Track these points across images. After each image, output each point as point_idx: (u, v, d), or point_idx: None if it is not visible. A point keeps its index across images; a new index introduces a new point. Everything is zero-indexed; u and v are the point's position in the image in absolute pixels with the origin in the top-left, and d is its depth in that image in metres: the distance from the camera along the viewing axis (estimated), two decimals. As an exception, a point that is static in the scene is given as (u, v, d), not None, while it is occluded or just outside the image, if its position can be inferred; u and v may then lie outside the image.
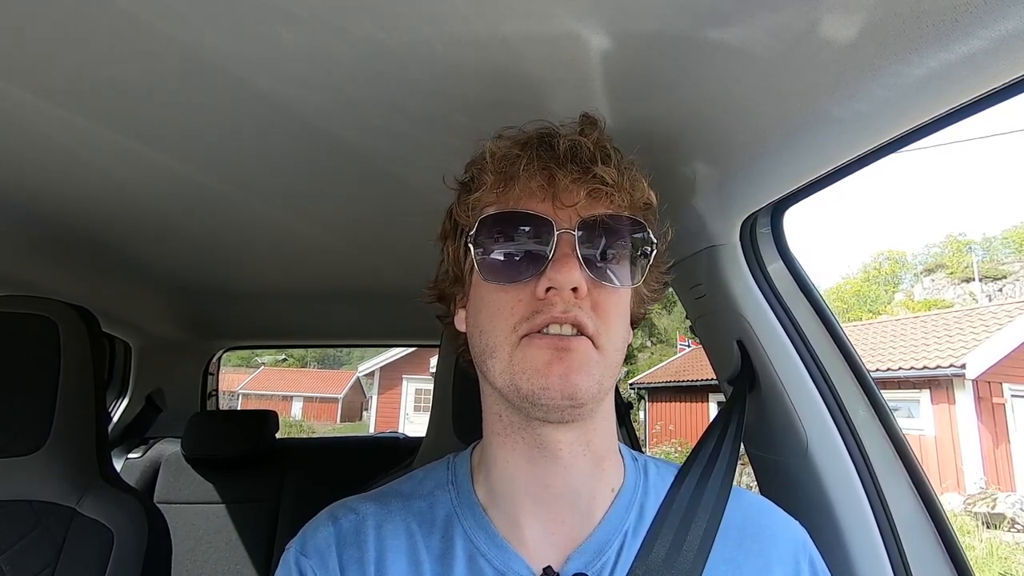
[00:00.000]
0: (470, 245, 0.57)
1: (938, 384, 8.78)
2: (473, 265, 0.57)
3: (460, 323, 0.63)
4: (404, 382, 19.94)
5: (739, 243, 0.91)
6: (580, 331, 0.52)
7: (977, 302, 18.20)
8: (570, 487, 0.56)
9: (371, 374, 21.08)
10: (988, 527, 6.98)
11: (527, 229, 0.54)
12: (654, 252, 0.58)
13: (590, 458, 0.56)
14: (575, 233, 0.53)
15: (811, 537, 0.61)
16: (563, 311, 0.51)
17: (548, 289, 0.52)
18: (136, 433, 2.07)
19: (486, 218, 0.56)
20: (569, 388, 0.50)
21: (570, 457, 0.55)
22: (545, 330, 0.52)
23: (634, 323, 0.63)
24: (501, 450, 0.57)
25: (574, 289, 0.52)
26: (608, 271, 0.55)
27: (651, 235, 0.57)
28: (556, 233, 0.53)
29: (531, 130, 0.58)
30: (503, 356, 0.53)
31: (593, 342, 0.52)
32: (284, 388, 23.52)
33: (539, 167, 0.55)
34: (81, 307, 1.07)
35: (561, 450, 0.55)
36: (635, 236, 0.57)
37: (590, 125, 0.58)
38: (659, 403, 14.15)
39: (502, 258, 0.55)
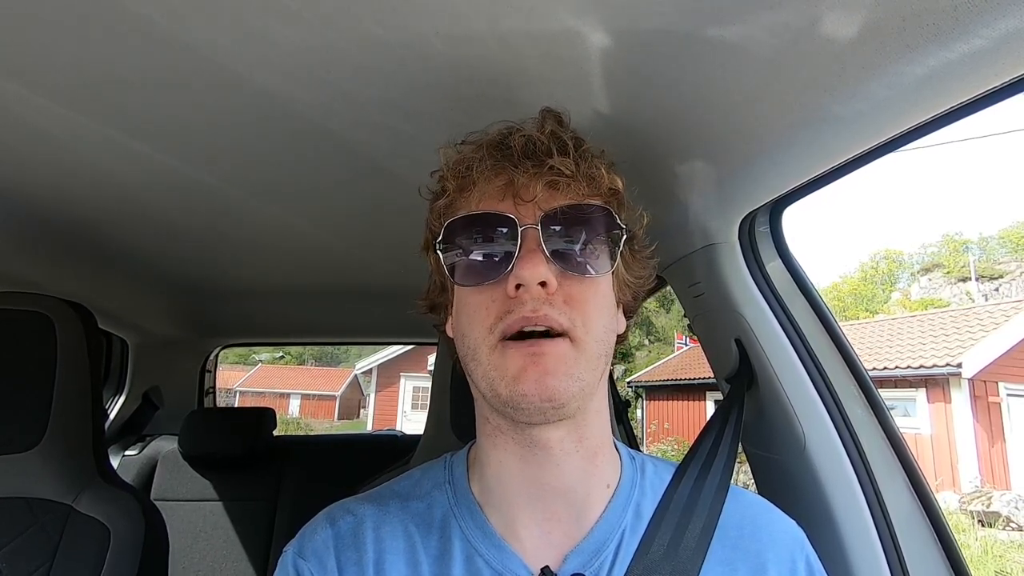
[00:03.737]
0: (439, 252, 0.57)
1: (935, 383, 8.81)
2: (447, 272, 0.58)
3: (450, 330, 0.63)
4: (402, 380, 19.93)
5: (738, 242, 0.91)
6: (552, 329, 0.51)
7: (974, 301, 18.26)
8: (564, 484, 0.56)
9: (369, 372, 21.09)
10: (984, 525, 7.02)
11: (491, 229, 0.55)
12: (624, 236, 0.58)
13: (583, 454, 0.56)
14: (538, 228, 0.53)
15: (808, 535, 0.61)
16: (533, 310, 0.51)
17: (518, 286, 0.52)
18: (133, 430, 2.07)
19: (451, 223, 0.57)
20: (546, 391, 0.50)
21: (562, 454, 0.55)
22: (521, 329, 0.51)
23: (627, 312, 0.63)
24: (493, 450, 0.58)
25: (544, 284, 0.52)
26: (577, 261, 0.54)
27: (618, 219, 0.57)
28: (520, 229, 0.53)
29: (492, 132, 0.59)
30: (483, 360, 0.53)
31: (569, 337, 0.52)
32: (282, 385, 23.48)
33: (495, 167, 0.55)
34: (78, 304, 1.06)
35: (552, 448, 0.55)
36: (601, 223, 0.56)
37: (548, 118, 0.58)
38: (656, 401, 14.18)
39: (471, 260, 0.55)
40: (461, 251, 0.56)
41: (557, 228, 0.54)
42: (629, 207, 0.61)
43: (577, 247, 0.55)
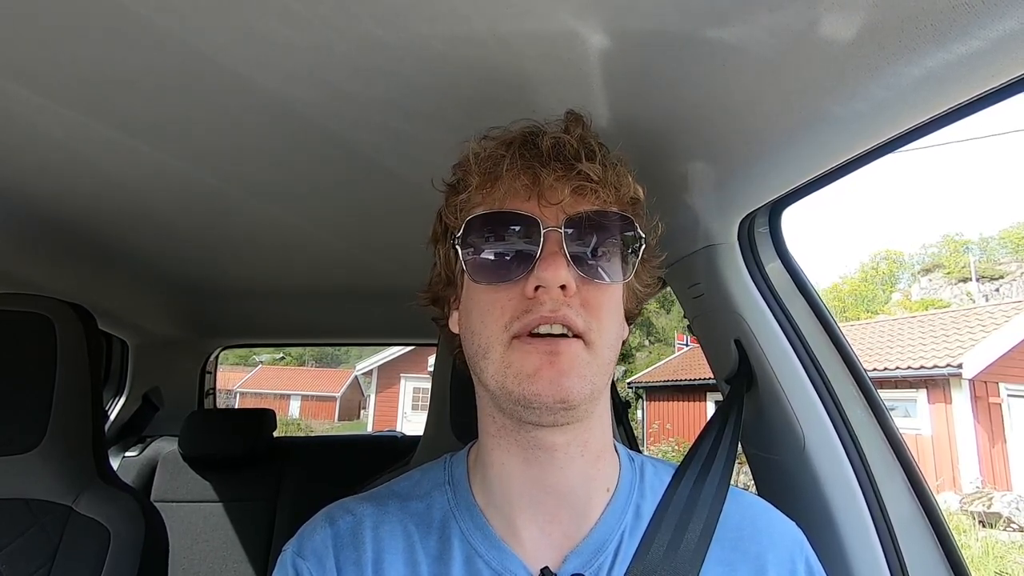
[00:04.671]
0: (458, 247, 0.57)
1: (935, 384, 8.81)
2: (463, 267, 0.57)
3: (454, 325, 0.63)
4: (402, 381, 19.92)
5: (737, 242, 0.91)
6: (570, 330, 0.52)
7: (974, 302, 18.26)
8: (567, 487, 0.56)
9: (369, 373, 21.08)
10: (984, 526, 7.01)
11: (514, 228, 0.54)
12: (643, 247, 0.58)
13: (587, 458, 0.56)
14: (562, 231, 0.53)
15: (807, 535, 0.61)
16: (552, 310, 0.51)
17: (537, 288, 0.52)
18: (133, 431, 2.07)
19: (472, 219, 0.56)
20: (560, 392, 0.50)
21: (566, 458, 0.55)
22: (536, 330, 0.51)
23: (629, 319, 0.63)
24: (496, 451, 0.57)
25: (563, 287, 0.52)
26: (597, 267, 0.55)
27: (639, 230, 0.57)
28: (543, 231, 0.53)
29: (516, 129, 0.58)
30: (495, 357, 0.53)
31: (584, 340, 0.52)
32: (282, 387, 23.47)
33: (523, 166, 0.55)
34: (78, 305, 1.07)
35: (556, 451, 0.55)
36: (623, 231, 0.57)
37: (575, 122, 0.58)
38: (657, 402, 14.17)
39: (490, 258, 0.55)
40: (480, 248, 0.56)
41: (579, 233, 0.54)
42: (646, 217, 0.61)
43: (598, 253, 0.55)
